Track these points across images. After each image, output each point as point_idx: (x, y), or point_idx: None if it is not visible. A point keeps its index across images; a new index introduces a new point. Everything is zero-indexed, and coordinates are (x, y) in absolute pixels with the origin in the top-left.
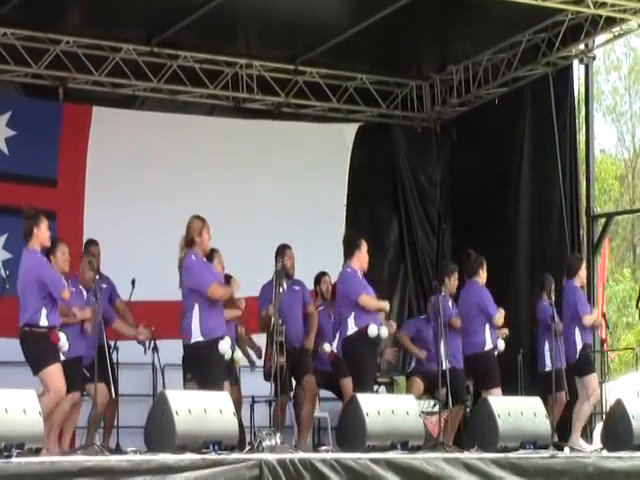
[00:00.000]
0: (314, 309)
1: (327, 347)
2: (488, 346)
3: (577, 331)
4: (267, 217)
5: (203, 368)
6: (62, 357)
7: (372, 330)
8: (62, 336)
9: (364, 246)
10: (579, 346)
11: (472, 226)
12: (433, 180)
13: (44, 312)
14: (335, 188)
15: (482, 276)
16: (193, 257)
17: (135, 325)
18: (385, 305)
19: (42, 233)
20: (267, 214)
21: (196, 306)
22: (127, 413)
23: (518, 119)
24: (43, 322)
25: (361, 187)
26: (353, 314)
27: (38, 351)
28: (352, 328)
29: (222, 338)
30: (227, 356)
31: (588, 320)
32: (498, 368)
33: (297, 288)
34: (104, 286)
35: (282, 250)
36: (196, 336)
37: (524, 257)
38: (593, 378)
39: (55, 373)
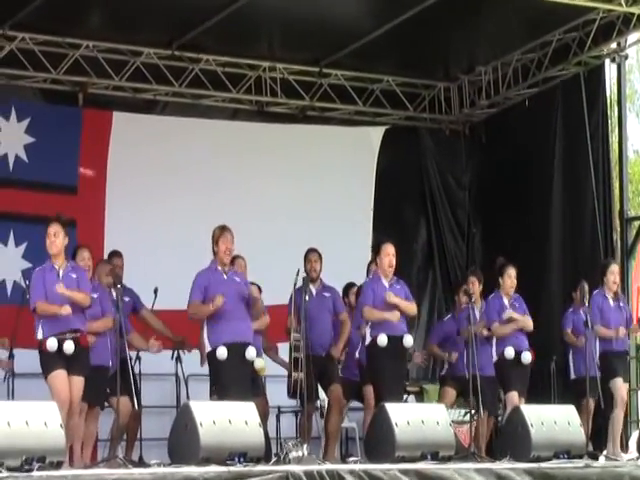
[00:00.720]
0: (347, 317)
1: (356, 355)
2: (494, 359)
3: (597, 339)
4: (292, 222)
5: (215, 377)
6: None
7: (381, 340)
8: (65, 343)
9: (384, 249)
10: (597, 353)
11: (502, 230)
12: (462, 184)
13: (40, 323)
14: (362, 192)
15: (505, 284)
16: (204, 268)
17: (170, 331)
18: (389, 315)
19: (48, 242)
20: (292, 219)
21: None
22: (150, 425)
23: (549, 120)
24: (39, 334)
25: (388, 191)
26: (370, 323)
27: (41, 363)
28: (369, 337)
29: (226, 345)
30: (222, 358)
31: (597, 332)
32: (510, 376)
33: (327, 295)
34: (127, 299)
35: (306, 254)
36: (208, 347)
37: (556, 262)
38: (615, 383)
39: (54, 382)
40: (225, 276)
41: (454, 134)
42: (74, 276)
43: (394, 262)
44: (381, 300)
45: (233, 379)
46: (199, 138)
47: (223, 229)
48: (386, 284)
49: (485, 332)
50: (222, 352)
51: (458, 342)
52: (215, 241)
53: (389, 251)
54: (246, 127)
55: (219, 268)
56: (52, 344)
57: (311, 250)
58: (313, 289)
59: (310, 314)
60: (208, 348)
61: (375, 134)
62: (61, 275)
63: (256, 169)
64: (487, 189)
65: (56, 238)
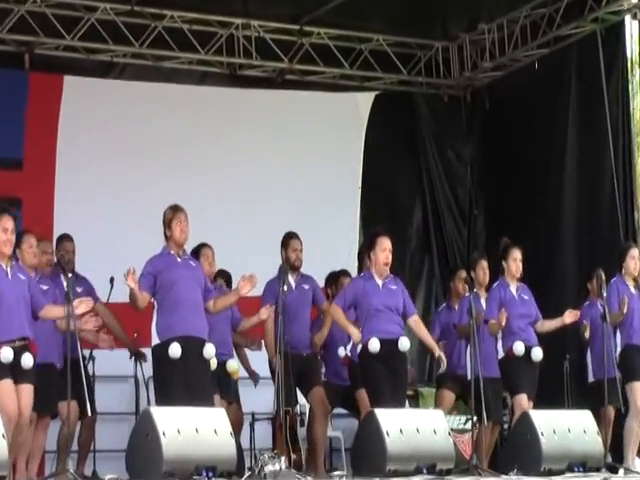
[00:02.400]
0: (328, 305)
1: (341, 351)
2: (500, 354)
3: (617, 331)
4: (268, 203)
5: (162, 379)
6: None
7: (373, 346)
8: (14, 352)
9: (380, 243)
10: (619, 348)
11: (509, 211)
12: (463, 157)
13: None
14: (348, 168)
15: (510, 268)
16: (155, 255)
17: (126, 335)
18: (352, 333)
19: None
20: (268, 199)
21: (155, 303)
22: (105, 434)
23: (562, 85)
24: None
25: (378, 166)
26: (361, 325)
27: None
28: (360, 344)
29: (180, 340)
30: (174, 356)
31: (610, 318)
32: (519, 375)
33: (307, 287)
34: (79, 290)
35: (286, 240)
36: (155, 339)
37: (570, 247)
38: (633, 387)
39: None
40: (179, 259)
41: (454, 101)
42: (22, 277)
43: (390, 258)
44: (368, 306)
45: (186, 383)
46: (162, 106)
47: (176, 210)
48: (379, 283)
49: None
50: (175, 349)
51: (456, 336)
52: (167, 224)
53: (386, 245)
54: (216, 93)
55: (172, 252)
56: (7, 355)
57: (293, 236)
58: (292, 280)
59: (289, 308)
60: (156, 341)
61: (363, 101)
62: (9, 276)
63: (227, 142)
64: (491, 163)
65: (12, 235)
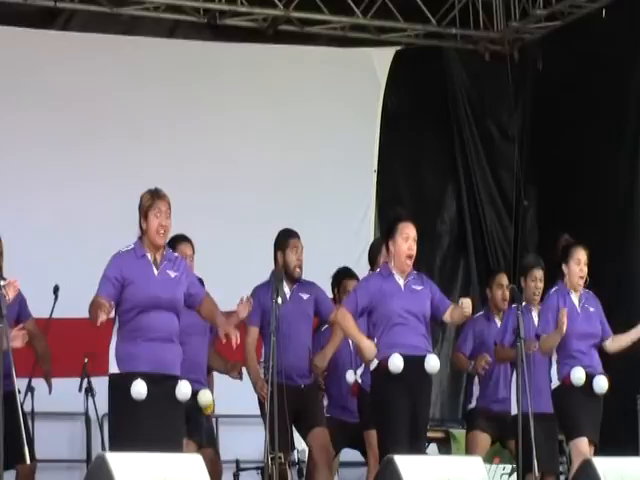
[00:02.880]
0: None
1: (350, 376)
2: (554, 383)
3: None
4: (260, 190)
5: (120, 425)
6: None
7: (394, 364)
8: None
9: (401, 230)
10: None
11: (568, 201)
12: (508, 133)
13: None
14: (360, 145)
15: (572, 273)
16: (121, 251)
17: (50, 364)
18: (365, 347)
19: None
20: (260, 186)
21: (117, 321)
22: None
23: (635, 38)
24: None
25: (400, 143)
26: (374, 340)
27: None
28: (374, 361)
29: (145, 377)
30: (138, 397)
31: None
32: (578, 412)
33: (306, 296)
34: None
35: (283, 240)
36: (113, 367)
37: None
38: None
39: None
40: (156, 270)
41: (497, 59)
42: None
43: (414, 249)
44: (387, 312)
45: (145, 432)
46: (121, 65)
47: (156, 195)
48: (401, 283)
49: (533, 348)
50: (139, 388)
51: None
52: (143, 213)
53: (409, 233)
54: (191, 47)
55: (147, 255)
56: None
57: (289, 234)
58: (287, 289)
59: (281, 325)
60: (115, 370)
61: (381, 59)
62: None
63: (204, 112)
64: (545, 141)
65: None
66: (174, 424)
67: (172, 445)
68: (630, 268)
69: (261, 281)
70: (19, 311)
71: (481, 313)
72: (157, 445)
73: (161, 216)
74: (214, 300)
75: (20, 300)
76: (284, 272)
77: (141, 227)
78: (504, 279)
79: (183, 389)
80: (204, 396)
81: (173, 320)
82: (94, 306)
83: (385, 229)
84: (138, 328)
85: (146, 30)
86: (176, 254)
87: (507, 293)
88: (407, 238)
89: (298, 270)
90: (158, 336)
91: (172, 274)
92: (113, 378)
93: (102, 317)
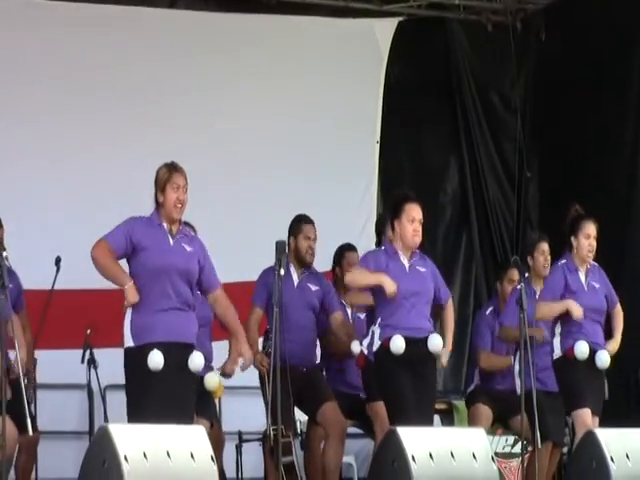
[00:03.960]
0: (342, 316)
1: (356, 346)
2: (557, 354)
3: None
4: (260, 164)
5: (136, 394)
6: None
7: (396, 345)
8: None
9: (407, 211)
10: None
11: (572, 172)
12: (511, 104)
13: None
14: (363, 117)
15: (580, 246)
16: (137, 216)
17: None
18: (384, 282)
19: None
20: (260, 159)
21: None
22: (51, 459)
23: (637, 6)
24: None
25: (403, 114)
26: (379, 320)
27: None
28: (377, 340)
29: (161, 347)
30: (155, 367)
31: None
32: (581, 384)
33: (314, 288)
34: (10, 285)
35: (297, 225)
36: (128, 340)
37: None
38: None
39: None
40: (171, 240)
41: (500, 30)
42: None
43: (420, 231)
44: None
45: (163, 403)
46: (117, 37)
47: (173, 169)
48: (406, 264)
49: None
50: (156, 358)
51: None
52: (161, 186)
53: (415, 215)
54: (192, 19)
55: (164, 225)
56: None
57: (302, 220)
58: (295, 275)
59: (286, 311)
60: (129, 343)
61: (383, 30)
62: None
63: (205, 85)
64: (549, 112)
65: None
66: (186, 396)
67: (183, 416)
68: (636, 238)
69: (262, 258)
70: (15, 299)
71: (491, 309)
72: (170, 415)
73: (179, 190)
74: (230, 303)
75: (18, 287)
76: (294, 258)
77: (157, 200)
78: (515, 274)
79: (196, 360)
80: (211, 380)
81: (187, 289)
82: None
83: (391, 208)
84: (153, 297)
85: (146, 1)
86: (193, 234)
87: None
88: (413, 220)
89: (310, 254)
90: (173, 305)
91: (187, 248)
92: (129, 351)
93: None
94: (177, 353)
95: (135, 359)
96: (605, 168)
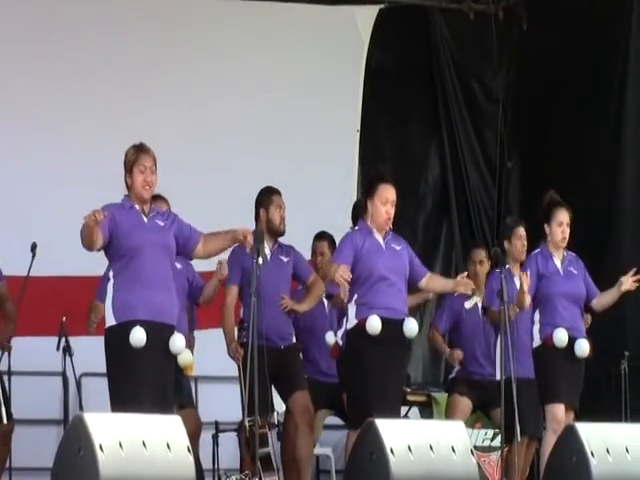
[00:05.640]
0: (317, 277)
1: (330, 337)
2: (536, 341)
3: None
4: (242, 148)
5: (118, 374)
6: None
7: (372, 325)
8: None
9: (380, 192)
10: None
11: (552, 163)
12: (492, 93)
13: None
14: (343, 105)
15: (554, 233)
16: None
17: (14, 316)
18: (334, 270)
19: None
20: (242, 144)
21: (111, 274)
22: (25, 448)
23: None
24: None
25: (383, 102)
26: (355, 297)
27: None
28: (352, 319)
29: (144, 324)
30: (137, 344)
31: None
32: (557, 376)
33: (286, 259)
34: None
35: (265, 197)
36: (109, 320)
37: (630, 206)
38: None
39: None
40: (146, 219)
41: (481, 19)
42: None
43: (392, 213)
44: (370, 271)
45: (147, 380)
46: (103, 16)
47: (140, 150)
48: (381, 241)
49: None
50: (138, 335)
51: (471, 329)
52: (128, 168)
53: (387, 196)
54: (173, 5)
55: (136, 206)
56: None
57: (276, 191)
58: (267, 249)
59: (262, 286)
60: (111, 322)
61: (364, 17)
62: None
63: (188, 68)
64: (529, 101)
65: None
66: (166, 378)
67: (164, 400)
68: (615, 229)
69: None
70: None
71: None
72: (151, 397)
73: (145, 171)
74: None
75: None
76: (267, 230)
77: (126, 182)
78: (480, 254)
79: (177, 342)
80: (184, 357)
81: (167, 266)
82: (85, 227)
83: (365, 187)
84: (132, 275)
85: None
86: (164, 209)
87: (479, 268)
88: (385, 202)
89: (283, 225)
90: (153, 282)
91: (161, 223)
92: (110, 330)
93: (96, 217)
94: (159, 333)
95: (116, 336)
96: (587, 158)
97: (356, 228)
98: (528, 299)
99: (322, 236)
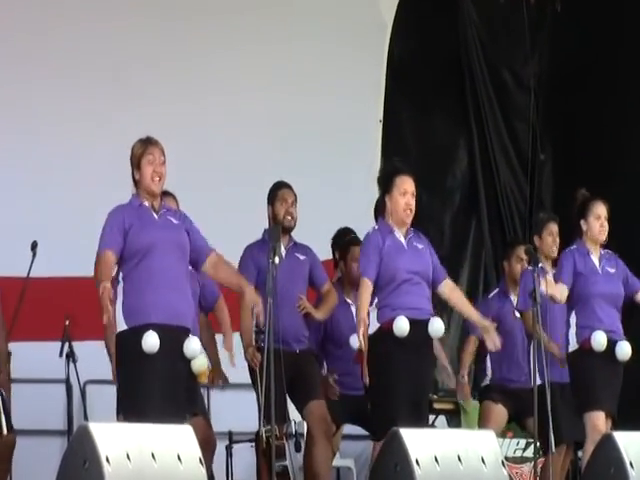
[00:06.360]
0: (332, 287)
1: (354, 340)
2: (572, 345)
3: None
4: (259, 142)
5: (129, 381)
6: None
7: (400, 327)
8: None
9: (398, 184)
10: None
11: (588, 154)
12: (524, 81)
13: None
14: (365, 93)
15: (592, 229)
16: (120, 204)
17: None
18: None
19: None
20: (259, 137)
21: (121, 275)
22: (26, 458)
23: None
24: None
25: (407, 91)
26: (375, 301)
27: None
28: (373, 323)
29: (156, 328)
30: (150, 349)
31: None
32: (596, 382)
33: (302, 257)
34: None
35: (271, 192)
36: (120, 324)
37: None
38: None
39: None
40: (156, 215)
41: (513, 1)
42: None
43: (413, 204)
44: (393, 272)
45: (160, 388)
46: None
47: (147, 142)
48: (402, 241)
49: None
50: (152, 340)
51: (510, 335)
52: (136, 163)
53: (406, 187)
54: None
55: (145, 204)
56: None
57: (282, 185)
58: (282, 247)
59: (278, 285)
60: (122, 327)
61: (387, 1)
62: None
63: (200, 56)
64: (564, 89)
65: None
66: (179, 386)
67: (176, 409)
68: None
69: (247, 235)
70: None
71: (496, 291)
72: (162, 407)
73: (154, 162)
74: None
75: None
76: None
77: (134, 178)
78: (522, 251)
79: (192, 345)
80: (198, 363)
81: (181, 265)
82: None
83: (381, 184)
84: (144, 276)
85: None
86: (175, 208)
87: (526, 267)
88: (405, 193)
89: (289, 218)
90: (167, 283)
91: (174, 220)
92: (121, 336)
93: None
94: (173, 337)
95: (127, 343)
96: (624, 150)
97: (375, 227)
98: (560, 291)
99: (359, 242)
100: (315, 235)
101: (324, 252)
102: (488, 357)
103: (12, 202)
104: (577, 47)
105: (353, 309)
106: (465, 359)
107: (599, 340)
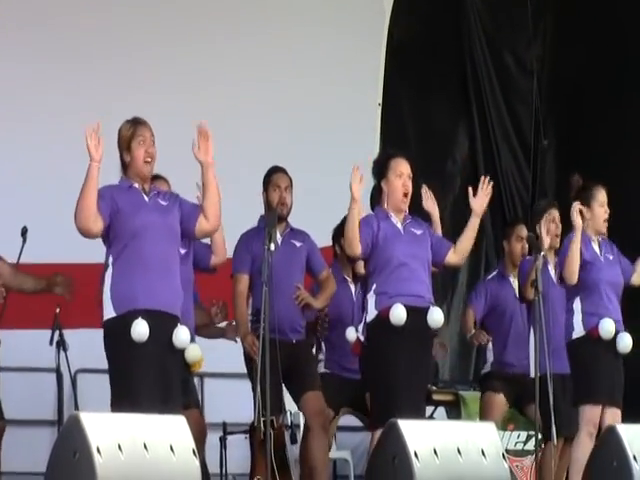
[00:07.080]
0: (330, 274)
1: (351, 333)
2: (578, 332)
3: None
4: (257, 126)
5: (119, 370)
6: None
7: (397, 315)
8: None
9: (393, 167)
10: None
11: (592, 140)
12: (527, 65)
13: None
14: (364, 78)
15: (596, 215)
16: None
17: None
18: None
19: None
20: (257, 121)
21: (110, 260)
22: (16, 450)
23: None
24: None
25: (407, 75)
26: (373, 287)
27: None
28: (372, 310)
29: (146, 314)
30: (139, 338)
31: None
32: (597, 373)
33: (299, 244)
34: None
35: (265, 178)
36: (108, 311)
37: None
38: None
39: None
40: (146, 197)
41: None
42: None
43: (410, 187)
44: (388, 257)
45: (151, 375)
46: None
47: (136, 123)
48: (399, 226)
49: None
50: (141, 328)
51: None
52: (125, 144)
53: (402, 169)
54: None
55: (135, 185)
56: None
57: (278, 170)
58: (278, 234)
59: (274, 273)
60: (110, 314)
61: None
62: None
63: (200, 41)
64: (567, 74)
65: None
66: (172, 374)
67: (168, 398)
68: None
69: (244, 221)
70: None
71: (495, 272)
72: (154, 397)
73: (146, 143)
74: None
75: None
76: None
77: (123, 161)
78: (524, 230)
79: (181, 335)
80: (192, 352)
81: (170, 250)
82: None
83: (376, 170)
84: (132, 260)
85: None
86: (165, 189)
87: (526, 247)
88: (401, 174)
89: (281, 207)
90: (155, 267)
91: (164, 203)
92: (109, 323)
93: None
94: (160, 325)
95: (116, 330)
96: (628, 135)
97: (373, 213)
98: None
99: None
100: (314, 222)
101: (323, 239)
102: (489, 345)
103: (2, 188)
104: (582, 29)
105: (352, 287)
106: (468, 323)
107: (607, 328)
